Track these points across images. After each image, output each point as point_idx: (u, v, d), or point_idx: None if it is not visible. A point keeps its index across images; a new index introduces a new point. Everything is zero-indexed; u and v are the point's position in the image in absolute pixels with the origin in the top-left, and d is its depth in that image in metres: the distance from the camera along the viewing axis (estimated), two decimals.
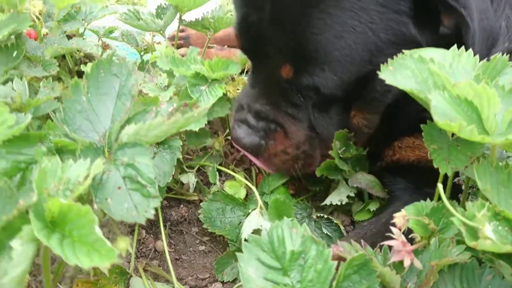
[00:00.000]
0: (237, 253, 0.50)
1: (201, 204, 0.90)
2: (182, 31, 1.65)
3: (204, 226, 0.89)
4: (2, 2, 0.80)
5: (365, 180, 0.84)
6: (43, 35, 1.03)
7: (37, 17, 1.02)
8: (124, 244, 0.47)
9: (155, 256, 0.87)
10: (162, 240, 0.88)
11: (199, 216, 0.90)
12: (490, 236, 0.39)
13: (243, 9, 0.75)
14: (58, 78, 1.02)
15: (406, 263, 0.47)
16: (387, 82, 0.54)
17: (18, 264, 0.36)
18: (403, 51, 0.56)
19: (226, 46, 1.70)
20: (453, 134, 0.56)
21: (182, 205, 0.95)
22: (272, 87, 0.79)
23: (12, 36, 0.85)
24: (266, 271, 0.50)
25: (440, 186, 0.47)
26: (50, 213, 0.41)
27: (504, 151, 0.59)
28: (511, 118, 0.47)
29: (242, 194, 0.96)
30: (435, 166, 0.54)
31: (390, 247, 0.50)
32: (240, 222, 0.90)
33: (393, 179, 0.88)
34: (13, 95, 0.72)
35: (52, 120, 0.64)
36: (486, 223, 0.40)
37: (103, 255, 0.36)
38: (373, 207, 0.88)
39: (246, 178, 0.98)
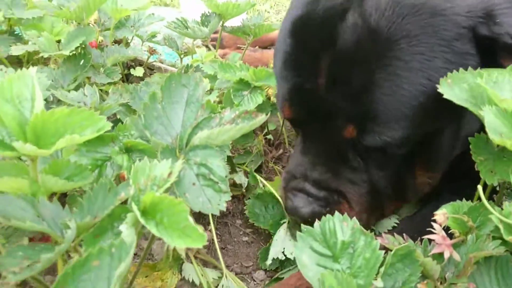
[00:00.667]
0: (293, 241, 0.57)
1: (246, 201, 0.98)
2: (215, 32, 1.74)
3: (250, 220, 0.97)
4: (72, 16, 0.89)
5: None
6: (99, 42, 1.13)
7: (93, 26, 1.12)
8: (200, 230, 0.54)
9: (204, 245, 0.95)
10: (210, 231, 0.97)
11: (245, 212, 0.98)
12: None
13: (295, 79, 0.72)
14: (113, 83, 1.12)
15: (446, 255, 0.53)
16: (445, 96, 0.58)
17: (127, 235, 0.44)
18: None
19: (257, 47, 1.78)
20: (498, 145, 0.60)
21: None
22: (330, 153, 0.76)
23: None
24: (318, 258, 0.57)
25: (480, 187, 0.53)
26: (142, 204, 0.49)
27: None
28: None
29: None
30: (482, 177, 0.58)
31: (430, 241, 0.56)
32: (281, 218, 0.97)
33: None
34: (85, 100, 0.82)
35: (122, 123, 0.73)
36: None
37: (195, 239, 0.44)
38: None
39: None
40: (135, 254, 0.90)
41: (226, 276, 0.85)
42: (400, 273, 0.55)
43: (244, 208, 0.98)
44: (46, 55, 0.86)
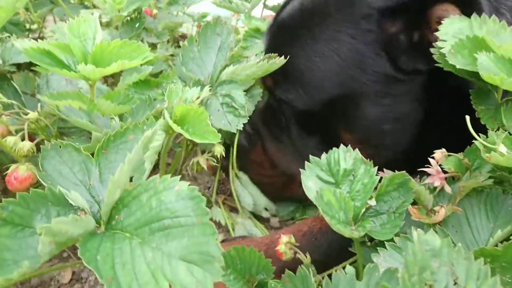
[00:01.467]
0: (300, 169, 0.65)
1: None
2: None
3: None
4: None
5: None
6: (154, 14, 1.27)
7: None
8: (220, 149, 0.64)
9: (231, 194, 1.05)
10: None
11: None
12: (503, 151, 0.50)
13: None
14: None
15: (436, 184, 0.59)
16: (457, 65, 0.61)
17: (156, 140, 0.55)
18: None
19: None
20: (502, 97, 0.65)
21: None
22: (267, 105, 0.86)
23: (136, 12, 1.09)
24: (322, 185, 0.64)
25: (467, 118, 0.57)
26: (174, 117, 0.60)
27: None
28: None
29: None
30: (483, 123, 0.63)
31: (428, 174, 0.62)
32: None
33: None
34: None
35: (165, 72, 0.85)
36: (502, 144, 0.51)
37: (212, 139, 0.53)
38: None
39: None
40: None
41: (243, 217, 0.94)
42: (395, 200, 0.61)
43: None
44: (107, 18, 1.00)
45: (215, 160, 0.68)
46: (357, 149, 0.64)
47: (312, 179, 0.65)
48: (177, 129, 0.55)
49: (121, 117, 0.67)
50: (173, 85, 0.63)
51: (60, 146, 0.45)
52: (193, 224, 0.36)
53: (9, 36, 0.95)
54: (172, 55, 0.93)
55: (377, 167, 0.61)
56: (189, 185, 0.38)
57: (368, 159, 0.77)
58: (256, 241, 0.78)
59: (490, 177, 0.57)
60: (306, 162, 0.66)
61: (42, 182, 0.42)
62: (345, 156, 0.64)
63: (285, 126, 0.84)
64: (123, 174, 0.39)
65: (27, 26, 1.21)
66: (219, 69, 0.71)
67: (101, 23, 1.13)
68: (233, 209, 1.02)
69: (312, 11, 0.78)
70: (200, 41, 0.74)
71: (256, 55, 0.72)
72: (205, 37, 0.74)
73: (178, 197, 0.38)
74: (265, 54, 0.73)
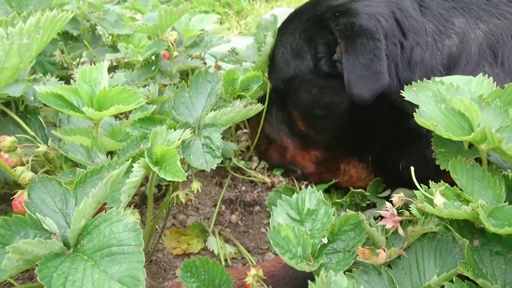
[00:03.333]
0: (272, 207, 0.71)
1: (269, 193, 1.14)
2: None
3: (268, 209, 1.12)
4: (149, 32, 1.16)
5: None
6: (174, 56, 1.40)
7: (171, 44, 1.40)
8: (196, 185, 0.72)
9: (228, 226, 1.12)
10: (236, 215, 1.14)
11: (265, 203, 1.13)
12: (437, 203, 0.54)
13: None
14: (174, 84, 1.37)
15: (388, 226, 0.63)
16: (409, 99, 0.70)
17: (134, 176, 0.64)
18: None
19: None
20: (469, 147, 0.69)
21: (255, 191, 1.19)
22: None
23: (153, 56, 1.22)
24: (290, 222, 0.70)
25: (412, 169, 0.62)
26: (156, 156, 0.69)
27: (504, 160, 0.69)
28: (488, 127, 0.59)
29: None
30: (438, 163, 0.68)
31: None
32: None
33: None
34: (148, 94, 1.07)
35: (167, 111, 0.95)
36: (438, 195, 0.55)
37: (180, 177, 0.62)
38: None
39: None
40: (167, 227, 1.10)
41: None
42: (351, 240, 0.65)
43: (265, 199, 1.13)
44: (127, 60, 1.14)
45: (192, 195, 0.76)
46: (321, 190, 0.70)
47: (282, 216, 0.71)
48: (152, 167, 0.64)
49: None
50: (159, 127, 0.72)
51: (46, 179, 0.55)
52: (132, 252, 0.44)
53: (42, 76, 1.10)
54: None
55: (334, 208, 0.67)
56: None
57: (311, 139, 1.09)
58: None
59: (438, 224, 0.61)
60: (278, 200, 0.72)
61: (26, 209, 0.52)
62: (310, 197, 0.70)
63: (273, 102, 1.14)
64: (87, 205, 0.48)
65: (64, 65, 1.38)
66: (206, 113, 0.80)
67: (122, 65, 1.27)
68: (228, 240, 1.08)
69: (284, 25, 1.10)
70: (191, 87, 0.84)
71: (240, 99, 0.80)
72: (197, 84, 0.84)
73: (125, 228, 0.46)
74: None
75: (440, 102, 0.65)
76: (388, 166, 1.03)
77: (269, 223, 1.17)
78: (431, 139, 0.70)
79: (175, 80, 1.17)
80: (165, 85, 1.17)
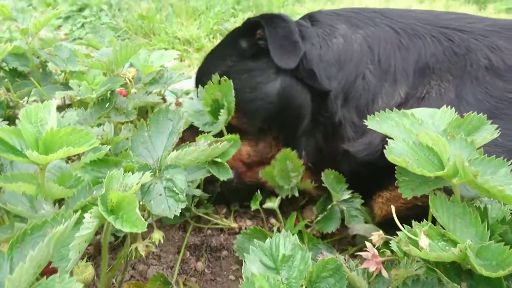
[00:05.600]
0: (244, 254, 0.65)
1: (237, 236, 1.06)
2: None
3: (236, 254, 1.04)
4: (103, 68, 1.10)
5: (363, 228, 0.95)
6: (132, 93, 1.33)
7: (129, 80, 1.33)
8: (158, 235, 0.65)
9: (194, 274, 1.03)
10: (203, 263, 1.05)
11: (233, 247, 1.06)
12: (421, 245, 0.50)
13: None
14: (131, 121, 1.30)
15: (371, 269, 0.58)
16: (373, 128, 0.69)
17: (85, 228, 0.55)
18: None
19: None
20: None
21: (222, 234, 1.11)
22: None
23: (108, 92, 1.14)
24: (264, 270, 0.63)
25: (393, 208, 0.58)
26: (111, 203, 0.61)
27: (477, 192, 0.67)
28: (459, 161, 0.57)
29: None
30: (400, 191, 0.65)
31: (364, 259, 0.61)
32: None
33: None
34: (102, 134, 0.98)
35: (126, 151, 0.87)
36: (422, 236, 0.51)
37: (140, 227, 0.54)
38: None
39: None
40: (131, 277, 1.00)
41: None
42: (331, 286, 0.60)
43: (233, 243, 1.06)
44: (79, 98, 1.06)
45: (154, 246, 0.68)
46: (296, 234, 0.64)
47: (255, 264, 0.65)
48: (107, 217, 0.56)
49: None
50: (114, 170, 0.65)
51: None
52: None
53: None
54: None
55: (311, 253, 0.61)
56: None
57: (242, 130, 1.05)
58: None
59: (422, 267, 0.57)
60: (251, 246, 0.66)
61: None
62: (285, 242, 0.64)
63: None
64: (23, 272, 0.40)
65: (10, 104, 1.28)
66: (167, 153, 0.74)
67: (76, 103, 1.19)
68: None
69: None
70: (151, 126, 0.77)
71: (203, 139, 0.75)
72: (157, 122, 0.78)
73: None
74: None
75: (408, 137, 0.63)
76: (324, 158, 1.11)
77: (238, 269, 1.10)
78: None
79: (131, 117, 1.10)
80: (121, 123, 1.09)
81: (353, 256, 1.01)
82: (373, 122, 0.70)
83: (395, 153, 0.59)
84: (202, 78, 1.20)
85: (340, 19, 1.14)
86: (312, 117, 1.09)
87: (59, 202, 0.78)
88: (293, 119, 1.10)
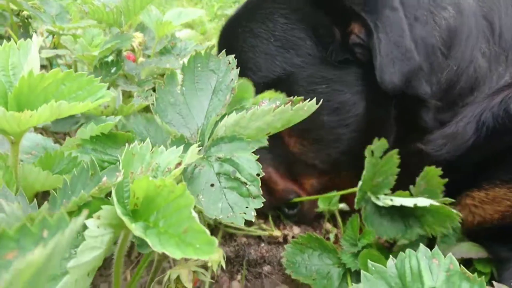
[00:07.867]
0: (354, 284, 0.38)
1: (285, 246, 0.79)
2: None
3: (287, 271, 0.76)
4: (110, 19, 0.82)
5: (463, 250, 0.70)
6: (139, 63, 1.06)
7: (136, 47, 1.05)
8: (218, 255, 0.38)
9: None
10: (239, 281, 0.78)
11: (281, 260, 0.78)
12: None
13: None
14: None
15: None
16: None
17: (91, 249, 0.28)
18: None
19: None
20: None
21: (262, 244, 0.84)
22: None
23: (112, 55, 0.87)
24: None
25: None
26: (134, 199, 0.33)
27: None
28: None
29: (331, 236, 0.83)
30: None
31: None
32: (329, 272, 0.77)
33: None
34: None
35: None
36: None
37: (199, 248, 0.27)
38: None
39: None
40: None
41: None
42: None
43: (281, 256, 0.78)
44: (75, 57, 0.78)
45: (206, 275, 0.41)
46: (450, 254, 0.38)
47: None
48: (132, 227, 0.28)
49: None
50: (136, 143, 0.38)
51: None
52: None
53: None
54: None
55: None
56: None
57: (306, 162, 0.79)
58: None
59: None
60: (364, 274, 0.39)
61: None
62: (431, 266, 0.37)
63: None
64: None
65: None
66: (214, 120, 0.47)
67: (68, 67, 0.91)
68: None
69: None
70: (185, 80, 0.50)
71: (269, 99, 0.48)
72: (193, 75, 0.50)
73: None
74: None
75: None
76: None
77: None
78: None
79: (146, 86, 0.82)
80: (130, 95, 0.82)
81: None
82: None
83: None
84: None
85: None
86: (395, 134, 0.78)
87: (43, 197, 0.50)
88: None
